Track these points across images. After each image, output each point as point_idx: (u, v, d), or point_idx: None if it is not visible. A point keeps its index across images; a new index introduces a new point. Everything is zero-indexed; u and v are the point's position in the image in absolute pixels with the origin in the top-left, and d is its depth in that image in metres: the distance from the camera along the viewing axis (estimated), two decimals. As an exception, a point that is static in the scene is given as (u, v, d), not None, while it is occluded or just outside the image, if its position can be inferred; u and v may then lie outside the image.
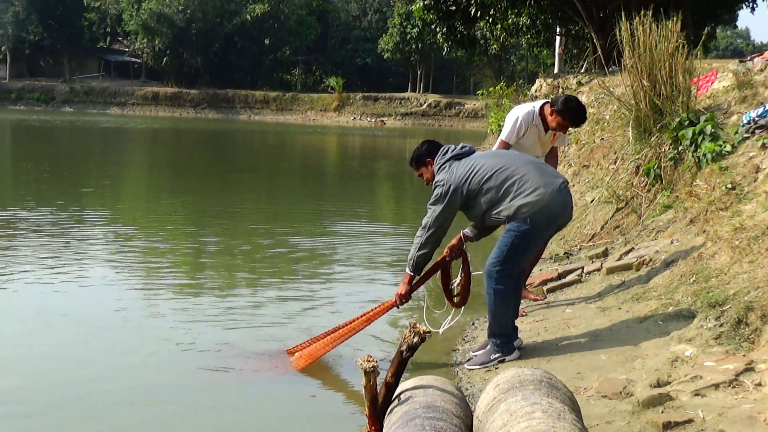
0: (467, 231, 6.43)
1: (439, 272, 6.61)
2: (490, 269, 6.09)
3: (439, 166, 6.16)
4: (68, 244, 11.29)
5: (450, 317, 6.68)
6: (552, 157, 7.88)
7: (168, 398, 5.79)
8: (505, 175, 5.93)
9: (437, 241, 6.18)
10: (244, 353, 6.70)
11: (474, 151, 6.25)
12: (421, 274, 6.37)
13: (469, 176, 5.97)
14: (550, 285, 8.23)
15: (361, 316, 6.49)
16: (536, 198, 5.85)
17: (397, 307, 6.43)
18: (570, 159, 14.53)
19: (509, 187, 5.91)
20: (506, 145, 7.54)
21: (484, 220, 6.19)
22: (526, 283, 7.90)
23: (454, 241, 6.43)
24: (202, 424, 5.39)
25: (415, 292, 6.53)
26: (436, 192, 6.06)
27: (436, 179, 6.12)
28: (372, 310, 6.51)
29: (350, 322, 6.48)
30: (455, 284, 6.72)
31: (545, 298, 7.84)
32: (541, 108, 7.49)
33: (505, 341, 6.21)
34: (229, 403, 5.72)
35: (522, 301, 7.41)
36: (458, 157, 6.14)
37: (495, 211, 5.99)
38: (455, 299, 6.71)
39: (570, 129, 7.87)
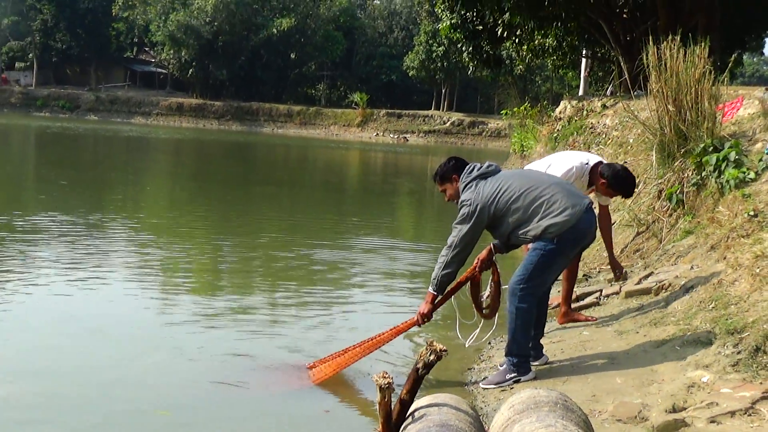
0: (497, 242, 6.41)
1: (468, 284, 6.56)
2: (514, 287, 6.09)
3: (465, 184, 6.14)
4: (88, 252, 11.32)
5: (477, 330, 6.69)
6: (607, 219, 8.25)
7: (182, 408, 5.79)
8: (534, 196, 5.94)
9: (462, 260, 6.17)
10: (261, 365, 6.71)
11: (500, 170, 6.23)
12: (445, 292, 6.34)
13: (496, 196, 5.97)
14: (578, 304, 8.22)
15: (382, 334, 6.48)
16: (564, 219, 5.87)
17: (419, 326, 6.41)
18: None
19: (537, 207, 5.92)
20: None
21: (509, 239, 6.19)
22: (572, 306, 7.95)
23: (483, 253, 6.39)
24: (214, 435, 5.42)
25: (444, 304, 6.53)
26: (462, 211, 6.04)
27: (462, 198, 6.10)
28: (393, 327, 6.51)
29: (371, 339, 6.48)
30: (485, 296, 6.70)
31: (596, 319, 7.78)
32: (594, 167, 7.66)
33: (522, 361, 6.20)
34: (243, 415, 5.71)
35: (571, 322, 7.65)
36: (484, 176, 6.12)
37: (522, 231, 6.00)
38: (485, 311, 6.66)
39: None
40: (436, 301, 6.31)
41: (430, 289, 6.23)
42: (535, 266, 6.03)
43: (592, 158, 7.79)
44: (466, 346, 6.69)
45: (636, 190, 10.91)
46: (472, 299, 6.64)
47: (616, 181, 7.52)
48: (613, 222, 10.82)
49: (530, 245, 6.13)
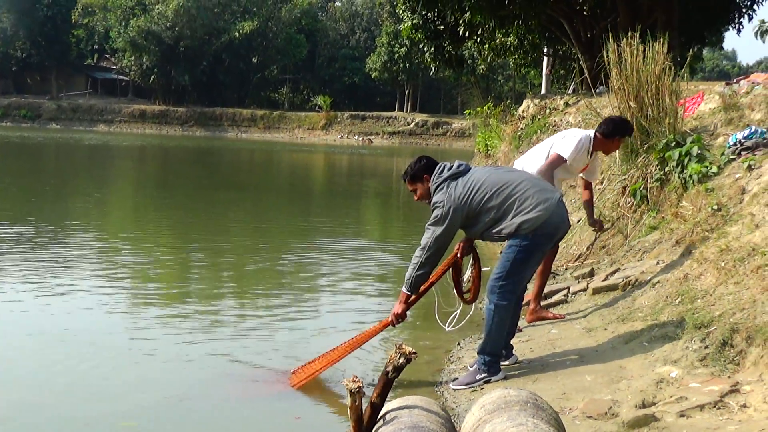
0: (404, 288, 6.34)
1: (450, 270, 6.56)
2: (493, 285, 6.11)
3: (436, 185, 6.11)
4: (53, 261, 11.19)
5: (456, 315, 6.70)
6: (590, 193, 8.40)
7: (149, 419, 5.71)
8: (506, 194, 5.96)
9: (435, 261, 6.18)
10: (234, 372, 6.67)
11: (470, 169, 6.20)
12: (419, 291, 6.34)
13: (468, 196, 5.97)
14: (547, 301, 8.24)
15: (358, 336, 6.50)
16: (537, 214, 5.90)
17: (393, 326, 6.41)
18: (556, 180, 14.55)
19: (510, 205, 5.94)
20: (561, 162, 7.80)
21: (483, 237, 6.23)
22: (541, 304, 7.97)
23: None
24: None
25: (417, 303, 6.54)
26: (435, 213, 6.02)
27: (434, 199, 6.08)
28: (368, 329, 6.54)
29: (347, 342, 6.47)
30: (465, 281, 6.71)
31: (563, 317, 7.78)
32: (595, 136, 7.89)
33: (494, 360, 6.21)
34: (213, 423, 5.67)
35: (539, 319, 7.70)
36: (455, 176, 6.09)
37: (496, 230, 6.02)
38: (466, 296, 6.65)
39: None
40: (410, 300, 6.31)
41: (404, 290, 6.23)
42: (513, 263, 6.05)
43: (591, 131, 8.02)
44: (447, 330, 6.69)
45: (600, 186, 11.02)
46: (454, 284, 6.63)
47: (614, 126, 7.85)
48: (578, 219, 10.90)
49: (506, 242, 6.15)
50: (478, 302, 6.81)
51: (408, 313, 6.46)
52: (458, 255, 6.53)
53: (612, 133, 7.80)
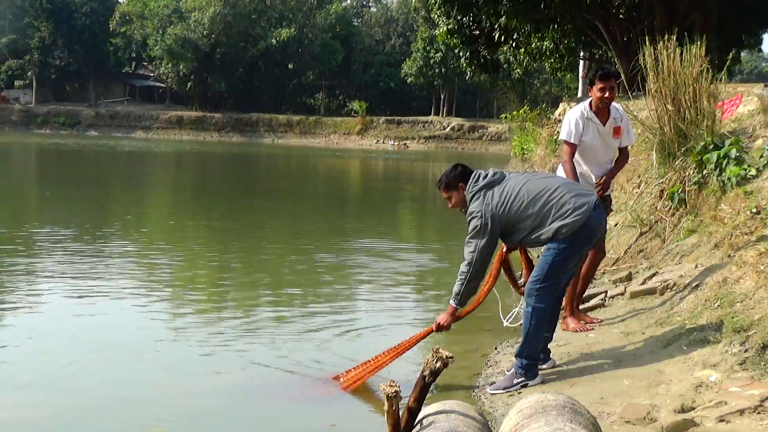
0: (452, 301, 6.36)
1: (501, 271, 6.62)
2: (531, 287, 6.15)
3: (472, 194, 6.13)
4: (94, 264, 11.31)
5: (517, 309, 6.80)
6: (623, 159, 7.82)
7: (181, 423, 5.75)
8: (543, 201, 5.98)
9: (482, 273, 6.22)
10: (278, 377, 6.67)
11: (505, 176, 6.21)
12: (465, 305, 6.36)
13: (506, 205, 6.00)
14: (586, 305, 8.21)
15: (402, 343, 6.54)
16: (574, 219, 5.92)
17: (437, 331, 6.43)
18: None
19: (548, 211, 5.96)
20: (571, 147, 7.53)
21: (522, 243, 6.28)
22: (580, 307, 7.90)
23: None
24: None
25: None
26: (473, 224, 6.04)
27: (470, 209, 6.10)
28: (412, 337, 6.61)
29: (392, 348, 6.52)
30: (520, 274, 6.74)
31: (600, 321, 7.72)
32: (589, 103, 7.52)
33: (531, 364, 6.21)
34: (245, 427, 5.69)
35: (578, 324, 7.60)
36: (491, 185, 6.10)
37: (535, 236, 6.05)
38: (522, 288, 6.63)
39: (618, 113, 7.63)
40: (457, 313, 6.34)
41: (452, 303, 6.24)
42: (551, 266, 6.07)
43: (587, 100, 7.70)
44: (505, 325, 6.75)
45: (638, 189, 10.93)
46: (508, 277, 6.69)
47: (593, 74, 7.53)
48: (615, 223, 10.84)
49: (544, 246, 6.17)
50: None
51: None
52: (504, 253, 6.56)
53: (591, 81, 7.50)
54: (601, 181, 7.60)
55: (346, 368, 6.59)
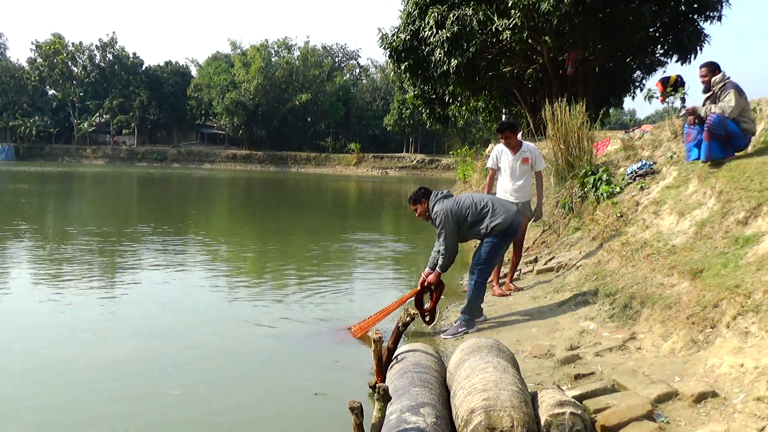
0: (438, 268, 6.31)
1: (414, 301, 6.48)
2: (474, 267, 6.30)
3: (434, 203, 6.31)
4: (174, 252, 11.25)
5: (432, 322, 6.60)
6: (539, 180, 7.77)
7: (232, 359, 5.71)
8: (481, 206, 6.21)
9: (455, 252, 6.24)
10: (298, 329, 6.61)
11: (452, 194, 6.39)
12: (444, 271, 6.31)
13: (456, 206, 6.19)
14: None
15: (398, 300, 6.58)
16: (502, 219, 6.15)
17: (423, 289, 6.40)
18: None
19: (485, 214, 6.18)
20: (492, 171, 7.80)
21: (466, 236, 6.32)
22: (508, 279, 7.85)
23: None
24: (248, 367, 5.36)
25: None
26: (439, 219, 6.17)
27: (434, 210, 6.24)
28: (406, 294, 6.64)
29: (391, 304, 6.54)
30: (427, 309, 6.56)
31: (515, 290, 7.64)
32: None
33: (471, 319, 6.28)
34: (274, 363, 5.66)
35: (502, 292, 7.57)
36: (445, 197, 6.34)
37: (475, 229, 6.20)
38: (427, 318, 6.55)
39: (527, 148, 7.65)
40: (439, 277, 6.33)
41: (439, 269, 6.25)
42: (488, 253, 6.23)
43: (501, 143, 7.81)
44: (428, 329, 6.60)
45: (544, 200, 10.98)
46: (419, 311, 6.46)
47: (498, 126, 7.64)
48: (536, 222, 10.83)
49: (481, 240, 6.27)
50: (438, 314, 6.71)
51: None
52: (425, 286, 6.41)
53: (497, 131, 7.72)
54: (539, 208, 7.87)
55: (353, 322, 6.59)
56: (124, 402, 4.64)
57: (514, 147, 7.61)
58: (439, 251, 6.27)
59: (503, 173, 7.72)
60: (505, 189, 7.68)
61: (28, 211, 18.55)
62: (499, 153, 7.77)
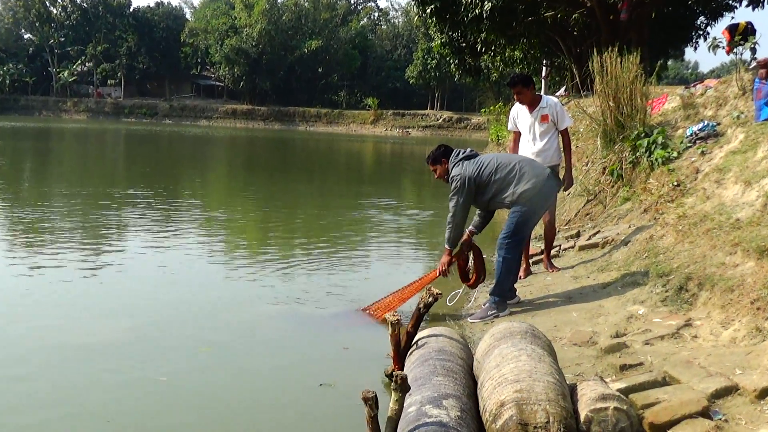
0: (471, 228, 6.47)
1: (457, 262, 6.53)
2: (501, 242, 6.24)
3: (453, 164, 6.25)
4: (166, 221, 11.33)
5: (460, 291, 6.76)
6: (565, 140, 7.46)
7: (229, 341, 5.76)
8: (507, 170, 6.09)
9: (463, 222, 6.27)
10: (303, 310, 6.63)
11: (477, 154, 6.33)
12: (456, 248, 6.37)
13: (478, 171, 6.10)
14: (535, 258, 8.17)
15: (416, 282, 6.50)
16: (531, 185, 6.03)
17: (442, 274, 6.40)
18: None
19: (511, 178, 6.07)
20: (516, 134, 7.66)
21: (489, 205, 6.29)
22: (545, 257, 7.78)
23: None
24: (255, 347, 5.41)
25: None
26: (454, 184, 6.14)
27: (452, 174, 6.20)
28: (423, 277, 6.56)
29: (409, 286, 6.50)
30: (470, 270, 6.68)
31: (555, 269, 7.59)
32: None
33: (502, 301, 6.27)
34: (274, 347, 5.69)
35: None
36: (468, 157, 6.27)
37: (500, 197, 6.13)
38: (471, 280, 6.65)
39: (546, 103, 7.41)
40: (453, 253, 6.36)
41: (447, 246, 6.31)
42: (516, 224, 6.17)
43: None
44: (449, 304, 6.66)
45: (585, 167, 10.89)
46: (459, 273, 6.64)
47: (509, 80, 7.55)
48: (568, 193, 10.80)
49: (509, 209, 6.21)
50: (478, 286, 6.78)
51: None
52: (464, 249, 6.50)
53: (508, 85, 7.70)
54: (569, 174, 7.50)
55: (366, 302, 6.61)
56: (105, 390, 4.68)
57: (532, 103, 7.40)
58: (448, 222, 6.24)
59: (523, 135, 7.54)
60: (526, 153, 7.43)
61: None
62: (517, 112, 7.62)
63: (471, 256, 6.61)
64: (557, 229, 9.95)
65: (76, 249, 8.99)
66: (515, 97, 7.49)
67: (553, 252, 8.27)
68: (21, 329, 5.83)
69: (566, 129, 7.45)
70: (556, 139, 7.42)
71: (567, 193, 8.37)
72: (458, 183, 6.10)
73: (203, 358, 5.31)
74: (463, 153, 6.29)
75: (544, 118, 7.33)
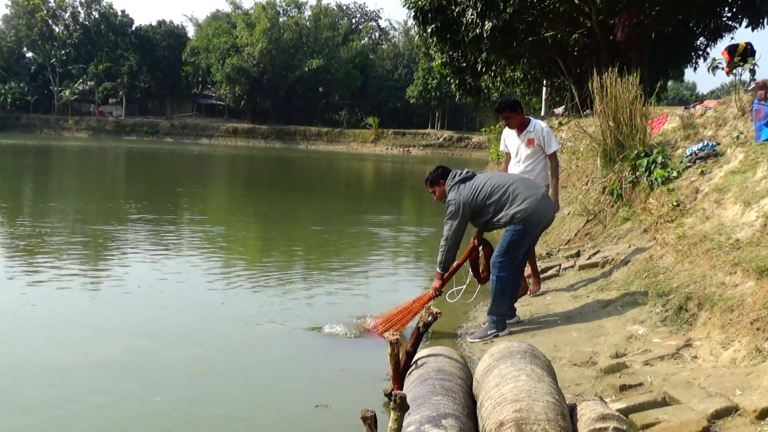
0: (438, 268, 6.45)
1: (468, 259, 6.66)
2: (495, 261, 6.27)
3: (449, 187, 6.29)
4: (167, 236, 11.34)
5: (462, 289, 6.85)
6: (553, 164, 7.51)
7: (221, 362, 5.72)
8: (501, 192, 6.11)
9: (457, 246, 6.30)
10: (300, 328, 6.61)
11: (475, 175, 6.37)
12: (448, 271, 6.44)
13: (473, 195, 6.14)
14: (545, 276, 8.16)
15: (412, 304, 6.50)
16: (525, 206, 6.05)
17: (433, 298, 6.45)
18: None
19: (505, 200, 6.10)
20: (507, 155, 7.76)
21: (486, 226, 6.32)
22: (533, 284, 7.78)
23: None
24: (247, 368, 5.39)
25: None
26: (450, 209, 6.20)
27: (448, 198, 6.25)
28: (418, 298, 6.56)
29: (407, 305, 6.53)
30: (481, 266, 6.72)
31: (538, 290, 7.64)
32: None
33: (500, 320, 6.27)
34: (269, 367, 5.67)
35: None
36: (464, 180, 6.29)
37: (496, 219, 6.16)
38: (482, 276, 6.70)
39: (534, 128, 7.45)
40: (444, 277, 6.42)
41: (438, 270, 6.37)
42: (509, 243, 6.18)
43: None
44: (450, 302, 6.78)
45: (585, 187, 10.89)
46: (471, 269, 6.71)
47: (496, 106, 7.62)
48: (568, 212, 10.81)
49: (503, 229, 6.23)
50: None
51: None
52: (475, 243, 6.62)
53: (495, 111, 7.80)
54: (554, 199, 7.38)
55: (368, 321, 6.62)
56: (94, 408, 4.65)
57: (520, 127, 7.49)
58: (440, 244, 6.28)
59: (512, 158, 7.68)
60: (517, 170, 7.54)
61: None
62: (507, 134, 7.75)
63: (482, 251, 6.66)
64: (557, 249, 9.98)
65: (75, 266, 9.00)
66: (503, 122, 7.60)
67: (552, 272, 8.27)
68: (15, 348, 5.82)
69: (554, 153, 7.51)
70: (542, 162, 7.51)
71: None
72: (453, 208, 6.17)
73: (197, 378, 5.28)
74: (459, 175, 6.31)
75: (530, 142, 7.44)
